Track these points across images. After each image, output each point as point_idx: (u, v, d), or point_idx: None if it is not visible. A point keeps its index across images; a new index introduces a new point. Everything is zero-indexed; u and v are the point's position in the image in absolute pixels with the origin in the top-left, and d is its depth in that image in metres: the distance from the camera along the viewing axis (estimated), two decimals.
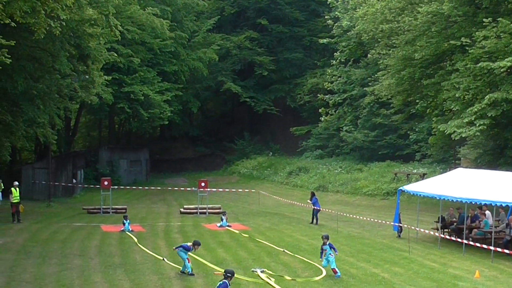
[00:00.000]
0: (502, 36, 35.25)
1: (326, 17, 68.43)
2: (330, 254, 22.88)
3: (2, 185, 38.07)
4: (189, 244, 23.15)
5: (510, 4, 36.79)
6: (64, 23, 33.62)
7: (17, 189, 35.91)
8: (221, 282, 17.00)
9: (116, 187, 43.00)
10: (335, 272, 22.56)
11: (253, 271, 22.83)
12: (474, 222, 30.46)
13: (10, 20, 28.61)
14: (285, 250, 27.48)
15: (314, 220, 36.98)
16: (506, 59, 34.28)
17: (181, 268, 22.83)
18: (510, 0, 36.52)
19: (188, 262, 22.57)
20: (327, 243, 23.18)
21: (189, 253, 23.10)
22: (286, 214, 41.67)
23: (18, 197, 35.76)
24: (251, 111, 77.73)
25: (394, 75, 44.72)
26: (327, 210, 39.12)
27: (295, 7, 77.82)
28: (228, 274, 17.19)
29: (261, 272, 22.59)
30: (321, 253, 23.88)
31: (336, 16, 64.45)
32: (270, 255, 26.77)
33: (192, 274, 22.32)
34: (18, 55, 35.87)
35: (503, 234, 28.81)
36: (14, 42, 30.90)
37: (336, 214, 36.67)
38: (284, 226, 36.08)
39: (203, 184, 40.98)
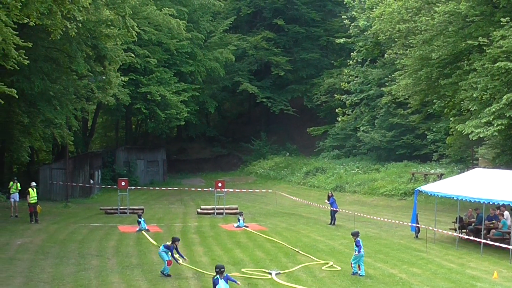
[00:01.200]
0: None
1: (342, 17, 68.21)
2: (355, 251, 23.07)
3: (19, 185, 38.25)
4: (168, 243, 23.03)
5: None
6: (80, 24, 33.81)
7: (35, 189, 36.07)
8: (215, 277, 17.81)
9: (133, 187, 43.08)
10: (357, 269, 22.98)
11: (269, 272, 22.81)
12: (492, 222, 30.23)
13: (28, 19, 28.77)
14: (299, 251, 27.44)
15: (331, 220, 36.91)
16: None
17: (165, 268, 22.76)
18: None
19: (168, 265, 22.51)
20: (355, 240, 23.24)
21: (179, 257, 23.12)
22: (303, 215, 41.56)
23: (36, 198, 35.92)
24: (267, 111, 77.65)
25: (411, 75, 44.50)
26: (344, 210, 38.96)
27: (311, 7, 77.58)
28: (221, 270, 18.03)
29: (276, 274, 22.56)
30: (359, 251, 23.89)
31: (353, 16, 64.24)
32: (287, 255, 26.73)
33: (169, 275, 22.40)
34: (35, 56, 36.11)
35: None
36: (32, 44, 31.01)
37: (353, 214, 36.54)
38: (301, 226, 36.00)
39: (220, 184, 40.96)
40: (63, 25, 30.66)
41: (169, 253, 22.64)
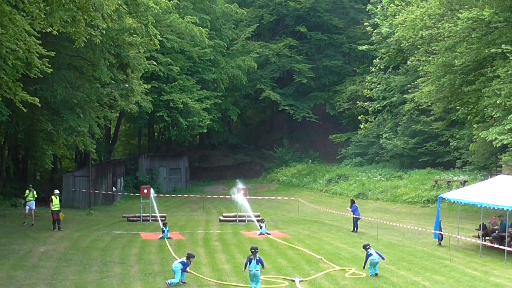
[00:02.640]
0: None
1: (365, 24, 68.15)
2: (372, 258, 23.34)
3: (35, 193, 38.49)
4: (184, 259, 22.95)
5: None
6: (104, 32, 33.96)
7: (57, 197, 36.31)
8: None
9: (155, 195, 43.21)
10: (373, 272, 23.84)
11: (292, 280, 22.78)
12: None
13: (51, 28, 29.00)
14: (323, 259, 27.36)
15: (354, 228, 36.79)
16: None
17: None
18: None
19: (176, 280, 22.33)
20: (368, 250, 23.58)
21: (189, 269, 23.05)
22: (325, 222, 41.44)
23: (59, 205, 36.13)
24: (290, 118, 77.58)
25: (434, 82, 44.33)
26: (367, 218, 38.82)
27: (334, 14, 77.70)
28: (256, 251, 21.02)
29: (300, 281, 22.54)
30: (365, 262, 24.40)
31: (375, 23, 64.09)
32: (309, 263, 26.66)
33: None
34: (58, 64, 36.36)
35: None
36: (54, 53, 31.23)
37: (376, 221, 36.40)
38: (323, 233, 35.90)
39: (242, 191, 40.96)
40: (87, 33, 30.83)
41: (182, 270, 22.46)
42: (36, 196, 38.47)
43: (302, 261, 27.13)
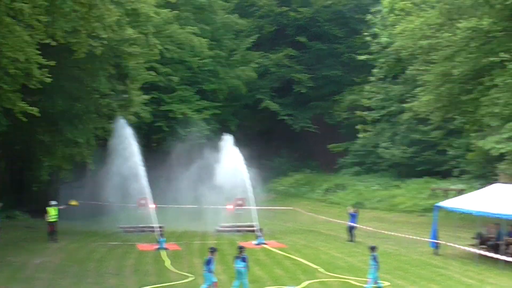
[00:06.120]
0: None
1: (364, 33, 68.17)
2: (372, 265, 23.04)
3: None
4: (209, 256, 22.48)
5: None
6: (105, 42, 34.04)
7: (55, 208, 36.12)
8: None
9: (154, 205, 43.02)
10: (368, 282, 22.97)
11: None
12: None
13: (52, 39, 29.11)
14: (319, 268, 27.35)
15: (351, 237, 36.76)
16: None
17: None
18: None
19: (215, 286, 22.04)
20: (371, 254, 23.18)
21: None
22: (322, 232, 41.45)
23: (56, 217, 36.00)
24: (289, 128, 77.50)
25: (433, 91, 44.39)
26: (364, 227, 38.79)
27: (334, 24, 77.77)
28: (242, 249, 22.30)
29: None
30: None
31: (375, 32, 64.20)
32: (306, 272, 26.64)
33: None
34: (58, 75, 36.38)
35: None
36: (55, 62, 31.28)
37: (373, 231, 36.39)
38: (320, 243, 35.93)
39: (240, 202, 40.94)
40: (88, 44, 30.95)
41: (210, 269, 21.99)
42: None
43: (298, 271, 27.10)
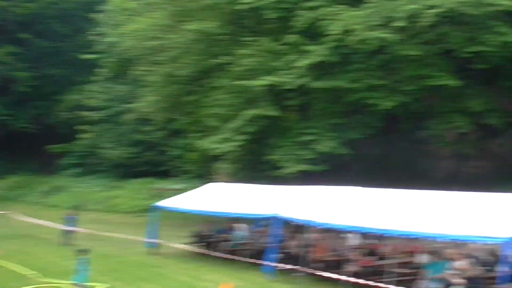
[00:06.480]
0: (259, 55, 36.00)
1: (91, 32, 66.72)
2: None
3: None
4: None
5: (269, 25, 37.70)
6: None
7: None
8: None
9: None
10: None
11: None
12: (224, 235, 30.57)
13: None
14: (32, 275, 25.49)
15: (68, 241, 35.12)
16: (262, 78, 35.05)
17: None
18: (269, 21, 37.37)
19: None
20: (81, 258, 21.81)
21: None
22: (39, 236, 39.27)
23: None
24: (7, 128, 73.45)
25: (158, 91, 44.36)
26: (82, 230, 37.34)
27: (59, 22, 75.55)
28: None
29: None
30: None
31: (102, 32, 63.10)
32: (17, 279, 24.41)
33: None
34: None
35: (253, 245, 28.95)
36: None
37: (92, 233, 35.41)
38: (36, 248, 33.84)
39: None
40: None
41: None
42: None
43: (9, 278, 24.66)
